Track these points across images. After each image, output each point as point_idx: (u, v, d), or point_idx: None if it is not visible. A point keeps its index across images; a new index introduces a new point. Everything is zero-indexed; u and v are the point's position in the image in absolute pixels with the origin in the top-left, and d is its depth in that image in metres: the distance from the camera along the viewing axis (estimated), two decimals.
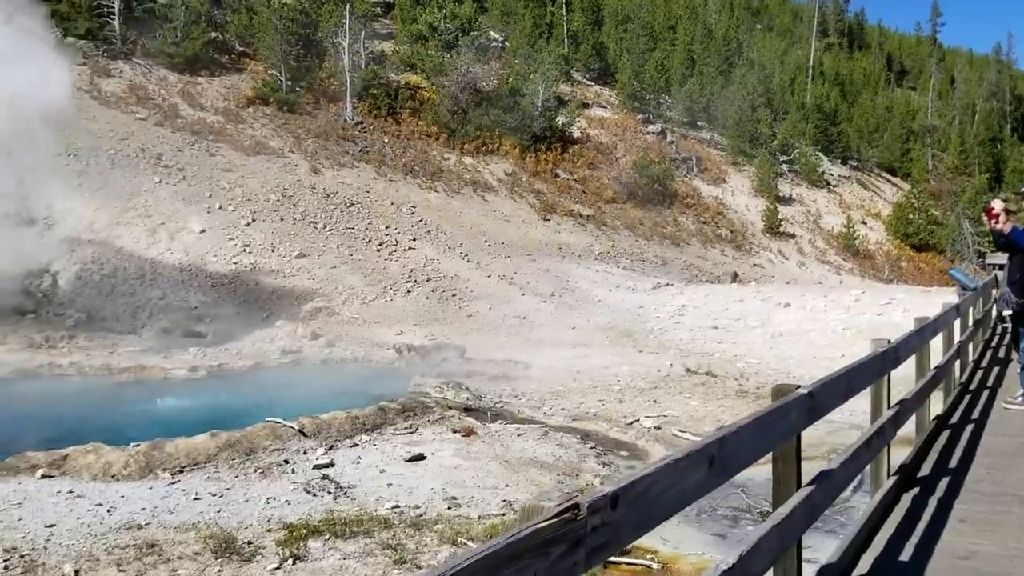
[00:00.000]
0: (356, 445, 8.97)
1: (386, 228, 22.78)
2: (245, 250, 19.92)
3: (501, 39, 37.91)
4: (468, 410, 10.78)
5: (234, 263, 19.45)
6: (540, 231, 26.20)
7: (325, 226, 21.89)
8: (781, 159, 38.60)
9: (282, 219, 21.45)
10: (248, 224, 20.73)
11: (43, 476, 7.51)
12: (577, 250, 25.81)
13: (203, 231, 19.94)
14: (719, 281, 26.30)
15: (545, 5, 39.81)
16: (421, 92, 30.71)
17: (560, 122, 32.03)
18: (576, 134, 33.10)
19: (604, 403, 11.61)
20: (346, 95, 28.03)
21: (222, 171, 22.42)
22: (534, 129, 30.62)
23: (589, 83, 39.36)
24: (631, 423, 10.67)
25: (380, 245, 21.93)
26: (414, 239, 22.77)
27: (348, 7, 29.36)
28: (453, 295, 20.49)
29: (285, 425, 8.91)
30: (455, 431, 9.69)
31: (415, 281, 20.70)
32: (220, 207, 20.94)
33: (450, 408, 10.52)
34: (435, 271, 21.44)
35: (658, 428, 10.50)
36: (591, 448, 9.61)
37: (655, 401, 11.82)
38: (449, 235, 23.66)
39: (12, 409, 10.59)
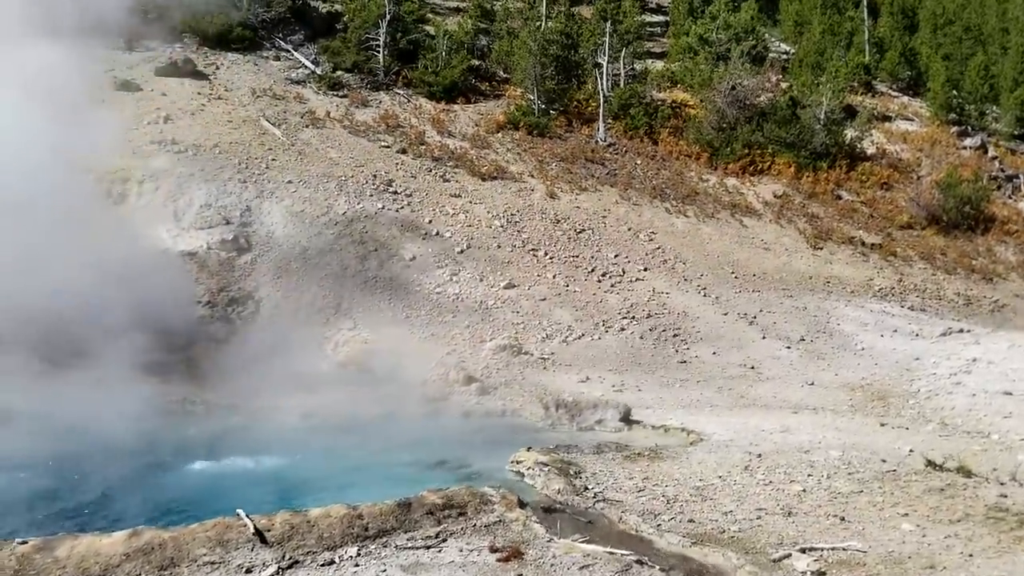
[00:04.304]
0: (331, 563, 6.14)
1: (615, 256, 19.66)
2: (452, 279, 17.90)
3: (790, 51, 33.09)
4: (549, 511, 7.50)
5: (436, 293, 17.49)
6: (806, 261, 21.53)
7: (546, 254, 19.28)
8: None
9: (499, 246, 19.18)
10: (461, 252, 18.71)
11: None
12: (851, 285, 20.81)
13: (413, 258, 18.22)
14: None
15: (843, 12, 34.20)
16: (686, 109, 27.15)
17: (848, 136, 26.76)
18: (870, 150, 27.54)
19: (763, 515, 7.70)
20: (600, 116, 25.32)
21: (450, 197, 20.67)
22: (815, 145, 25.77)
23: (895, 94, 33.05)
24: (780, 558, 6.75)
25: (603, 275, 18.87)
26: (645, 269, 19.41)
27: (609, 24, 26.67)
28: (674, 335, 16.88)
29: (243, 524, 6.31)
30: (494, 550, 6.51)
31: (633, 317, 17.39)
32: (437, 233, 19.14)
33: (521, 507, 7.31)
34: (660, 306, 17.95)
35: (821, 574, 6.50)
36: None
37: (843, 518, 7.66)
38: (689, 265, 19.98)
39: (56, 458, 9.14)
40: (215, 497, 8.11)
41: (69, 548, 5.82)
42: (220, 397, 12.39)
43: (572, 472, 8.47)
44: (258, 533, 6.24)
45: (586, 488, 8.10)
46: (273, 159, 20.14)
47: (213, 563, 5.96)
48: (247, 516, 6.39)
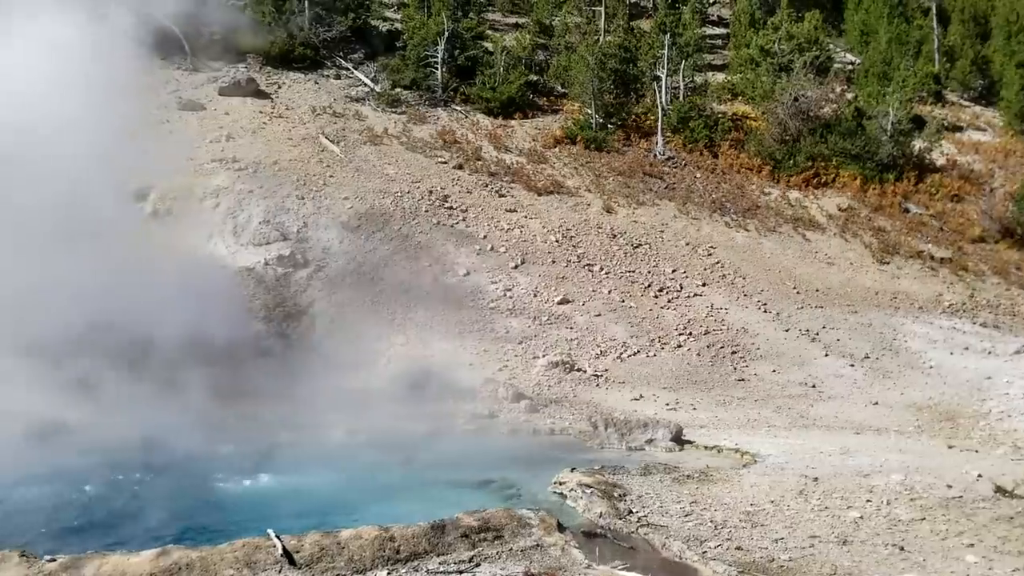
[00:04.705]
0: None
1: (672, 271, 19.22)
2: (506, 294, 17.68)
3: (856, 61, 32.18)
4: (589, 535, 7.19)
5: (490, 308, 17.29)
6: (872, 276, 20.74)
7: (602, 269, 18.94)
8: None
9: (554, 261, 18.92)
10: (515, 267, 18.49)
11: None
12: (919, 300, 19.97)
13: (467, 273, 18.09)
14: None
15: (910, 20, 33.12)
16: (747, 122, 26.56)
17: (916, 147, 25.81)
18: (940, 161, 26.54)
19: (815, 543, 7.25)
20: (658, 129, 24.91)
21: (505, 211, 20.51)
22: (881, 156, 24.91)
23: (966, 103, 31.90)
24: None
25: (660, 291, 18.45)
26: (703, 284, 18.92)
27: (668, 37, 26.28)
28: (733, 352, 16.39)
29: (271, 545, 6.15)
30: (529, 575, 6.24)
31: (690, 334, 16.93)
32: (492, 248, 18.98)
33: (560, 531, 7.02)
34: (718, 322, 17.46)
35: None
36: None
37: (902, 547, 7.17)
38: (749, 280, 19.41)
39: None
40: (254, 513, 8.01)
41: (96, 567, 5.74)
42: (271, 412, 12.35)
43: (616, 495, 8.12)
44: (286, 554, 6.08)
45: (630, 512, 7.76)
46: (331, 176, 20.27)
47: None
48: (277, 536, 6.24)
